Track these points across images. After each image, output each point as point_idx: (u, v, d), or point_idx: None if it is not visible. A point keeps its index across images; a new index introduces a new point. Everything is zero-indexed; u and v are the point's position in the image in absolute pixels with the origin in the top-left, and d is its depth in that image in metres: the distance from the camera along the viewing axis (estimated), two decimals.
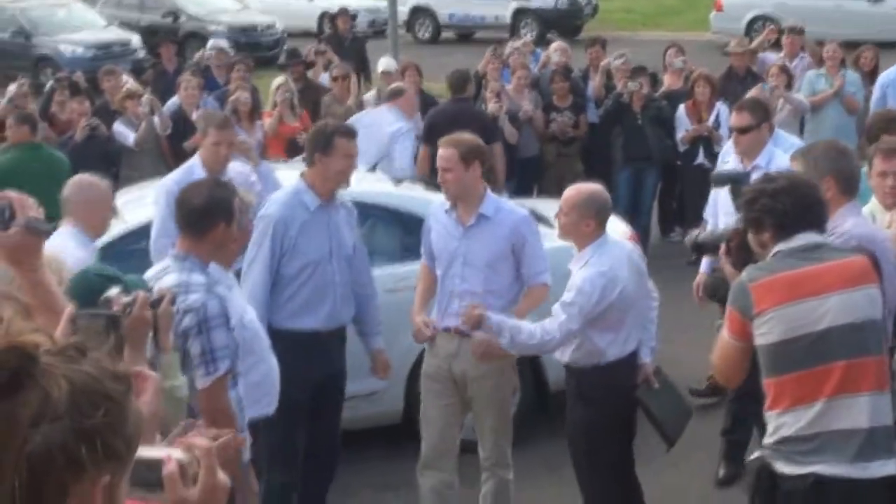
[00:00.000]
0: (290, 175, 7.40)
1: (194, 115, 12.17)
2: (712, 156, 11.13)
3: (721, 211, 7.47)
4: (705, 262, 7.44)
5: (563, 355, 6.28)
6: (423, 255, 6.81)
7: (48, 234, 3.39)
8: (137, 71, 18.79)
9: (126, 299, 3.71)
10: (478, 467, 6.74)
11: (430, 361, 6.70)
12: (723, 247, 5.29)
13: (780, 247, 4.75)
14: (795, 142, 8.37)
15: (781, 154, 7.93)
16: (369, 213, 7.73)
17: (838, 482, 4.59)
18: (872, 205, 6.25)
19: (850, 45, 14.12)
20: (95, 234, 6.43)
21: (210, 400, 5.06)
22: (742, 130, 7.89)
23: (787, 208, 4.73)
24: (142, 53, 24.30)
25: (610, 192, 6.79)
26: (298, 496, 6.76)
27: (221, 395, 5.10)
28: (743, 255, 5.07)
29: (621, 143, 12.13)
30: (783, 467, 4.68)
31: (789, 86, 12.13)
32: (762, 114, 7.98)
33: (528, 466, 7.28)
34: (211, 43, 15.67)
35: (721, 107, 11.72)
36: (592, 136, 12.68)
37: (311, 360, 6.44)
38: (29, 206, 3.35)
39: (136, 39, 25.07)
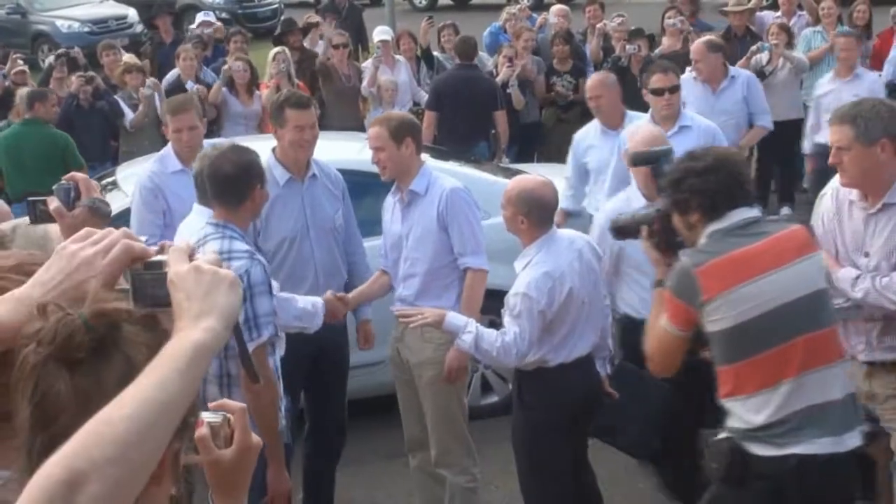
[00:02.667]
0: None
1: (188, 86, 12.20)
2: None
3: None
4: None
5: None
6: None
7: (110, 215, 3.47)
8: (135, 45, 18.78)
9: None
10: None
11: (389, 345, 6.62)
12: (644, 230, 4.92)
13: (715, 226, 4.51)
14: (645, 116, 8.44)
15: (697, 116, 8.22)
16: (371, 182, 7.59)
17: (818, 459, 4.41)
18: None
19: (845, 1, 14.06)
20: None
21: None
22: (673, 90, 8.00)
23: (717, 187, 4.50)
24: (139, 28, 24.20)
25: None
26: (305, 470, 6.78)
27: (263, 361, 5.18)
28: (668, 237, 4.77)
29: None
30: (759, 450, 4.46)
31: (790, 44, 12.09)
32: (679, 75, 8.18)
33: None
34: (199, 17, 15.64)
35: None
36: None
37: (299, 335, 6.01)
38: (93, 188, 3.48)
39: (132, 14, 24.98)
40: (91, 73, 12.36)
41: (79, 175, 3.57)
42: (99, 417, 1.68)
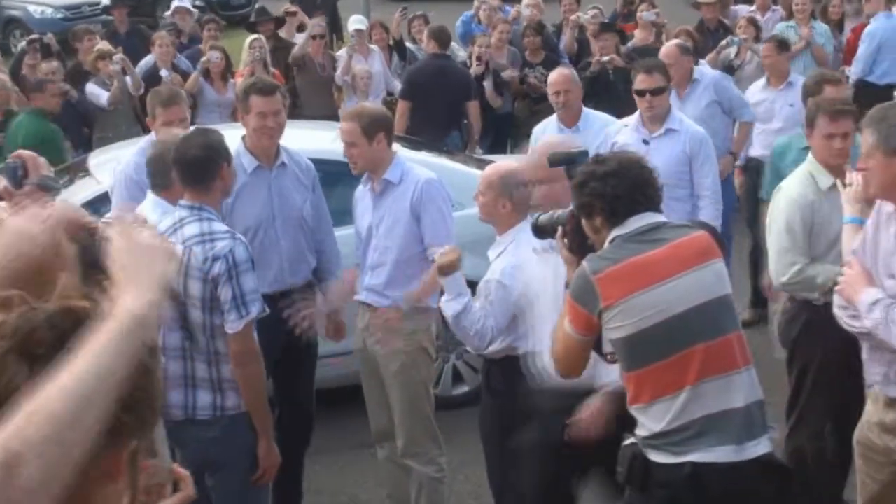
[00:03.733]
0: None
1: (163, 73, 12.16)
2: None
3: None
4: None
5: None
6: None
7: (59, 191, 3.47)
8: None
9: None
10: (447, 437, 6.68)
11: (356, 336, 6.61)
12: (559, 230, 4.79)
13: (616, 232, 4.44)
14: (608, 118, 8.49)
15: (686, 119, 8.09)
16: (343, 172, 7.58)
17: (717, 467, 4.32)
18: (811, 165, 6.07)
19: None
20: None
21: (241, 342, 5.31)
22: (656, 91, 7.87)
23: (617, 192, 4.40)
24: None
25: None
26: None
27: (250, 337, 5.34)
28: (579, 239, 4.65)
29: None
30: (656, 457, 4.40)
31: (757, 38, 12.12)
32: (669, 75, 8.07)
33: None
34: (175, 4, 15.60)
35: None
36: None
37: (265, 322, 5.77)
38: (41, 165, 3.46)
39: (106, 0, 24.86)
40: (57, 63, 12.24)
41: (25, 153, 3.54)
42: (35, 395, 1.67)
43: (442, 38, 11.91)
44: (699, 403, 4.33)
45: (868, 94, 11.47)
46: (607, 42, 12.09)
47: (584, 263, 4.45)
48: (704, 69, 10.01)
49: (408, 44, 13.85)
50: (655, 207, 4.52)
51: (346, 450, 7.73)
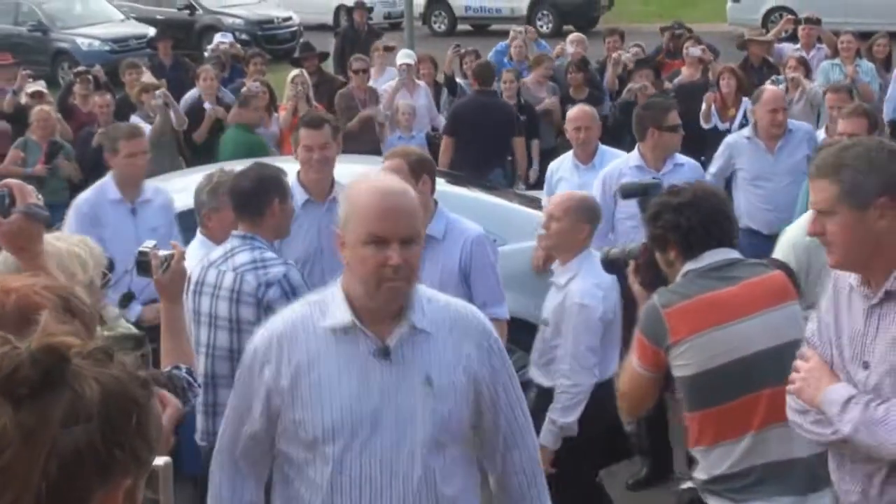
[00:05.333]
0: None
1: (206, 106, 12.25)
2: None
3: None
4: None
5: (546, 376, 5.94)
6: None
7: (47, 220, 3.42)
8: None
9: (164, 253, 4.15)
10: None
11: None
12: (631, 264, 4.69)
13: (690, 266, 4.29)
14: (618, 153, 8.40)
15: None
16: None
17: None
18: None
19: (865, 36, 14.08)
20: None
21: None
22: (674, 129, 7.81)
23: (692, 224, 4.26)
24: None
25: None
26: None
27: None
28: (651, 273, 4.53)
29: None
30: (715, 502, 4.26)
31: (807, 78, 12.05)
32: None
33: None
34: (217, 38, 15.71)
35: (747, 101, 11.34)
36: (606, 131, 12.62)
37: None
38: (28, 193, 3.37)
39: (152, 33, 25.08)
40: (109, 96, 12.36)
41: (13, 181, 3.45)
42: None
43: (484, 74, 11.92)
44: (761, 450, 4.17)
45: None
46: (642, 78, 12.17)
47: (654, 297, 4.31)
48: (796, 121, 9.27)
49: (459, 80, 13.89)
50: (731, 242, 4.37)
51: None
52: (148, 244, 4.26)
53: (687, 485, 4.44)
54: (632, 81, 12.26)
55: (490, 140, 11.34)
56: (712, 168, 8.79)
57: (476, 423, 3.57)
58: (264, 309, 5.23)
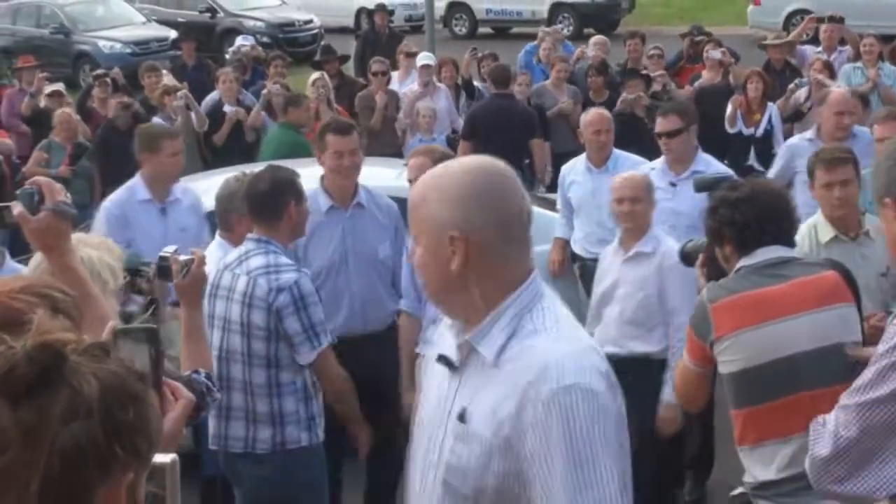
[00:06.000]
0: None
1: (227, 108, 12.27)
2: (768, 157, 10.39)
3: None
4: None
5: (648, 344, 6.26)
6: None
7: (75, 218, 3.44)
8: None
9: (184, 258, 4.24)
10: None
11: None
12: (700, 258, 4.69)
13: (744, 262, 4.28)
14: (637, 160, 8.35)
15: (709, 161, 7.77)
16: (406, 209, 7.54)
17: None
18: (817, 217, 5.85)
19: (888, 39, 14.01)
20: None
21: (322, 366, 5.43)
22: (671, 134, 7.65)
23: (747, 220, 4.25)
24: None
25: None
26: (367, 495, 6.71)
27: (331, 364, 5.46)
28: (715, 268, 4.51)
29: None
30: None
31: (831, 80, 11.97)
32: (691, 117, 7.83)
33: None
34: (238, 41, 15.75)
35: (772, 106, 11.36)
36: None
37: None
38: (57, 191, 3.38)
39: (173, 36, 25.17)
40: (129, 99, 12.41)
41: (42, 179, 3.48)
42: None
43: (500, 76, 11.91)
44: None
45: None
46: (633, 88, 12.15)
47: (704, 291, 4.33)
48: (860, 128, 8.58)
49: (476, 83, 13.87)
50: (788, 241, 4.35)
51: None
52: (168, 249, 4.30)
53: (738, 490, 4.41)
54: (625, 91, 12.22)
55: (507, 143, 11.24)
56: (772, 171, 8.78)
57: None
58: (274, 314, 5.25)
